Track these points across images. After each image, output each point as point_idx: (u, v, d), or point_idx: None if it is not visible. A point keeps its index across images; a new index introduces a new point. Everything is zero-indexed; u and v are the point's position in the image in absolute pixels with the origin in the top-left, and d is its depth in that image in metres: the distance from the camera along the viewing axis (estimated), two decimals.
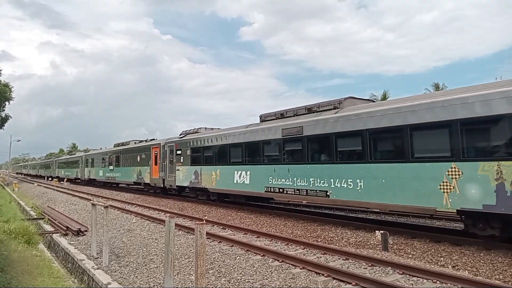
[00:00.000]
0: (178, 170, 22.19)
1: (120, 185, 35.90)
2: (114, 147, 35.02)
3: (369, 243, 10.14)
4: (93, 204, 10.51)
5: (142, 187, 29.04)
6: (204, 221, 6.67)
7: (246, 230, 11.79)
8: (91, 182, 40.73)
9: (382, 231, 9.61)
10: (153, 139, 28.51)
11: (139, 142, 29.94)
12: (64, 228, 13.03)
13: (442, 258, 8.60)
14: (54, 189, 34.35)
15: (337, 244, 10.34)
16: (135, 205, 19.88)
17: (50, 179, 54.38)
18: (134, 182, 28.89)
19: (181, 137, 22.88)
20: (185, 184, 21.42)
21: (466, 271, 7.67)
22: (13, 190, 35.83)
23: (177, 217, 14.92)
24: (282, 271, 7.42)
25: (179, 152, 22.21)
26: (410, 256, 8.95)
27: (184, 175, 21.59)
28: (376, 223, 12.90)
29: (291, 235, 11.48)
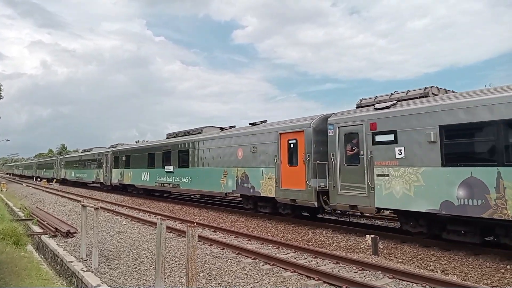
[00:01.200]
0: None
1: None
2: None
3: (359, 247, 10.19)
4: (83, 206, 10.42)
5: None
6: (195, 224, 6.66)
7: (237, 233, 11.78)
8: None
9: (372, 236, 9.67)
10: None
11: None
12: (53, 230, 12.88)
13: (431, 263, 8.68)
14: (42, 190, 33.98)
15: (328, 248, 10.38)
16: (125, 207, 19.73)
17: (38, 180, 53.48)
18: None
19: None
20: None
21: (455, 275, 7.76)
22: (1, 190, 35.33)
23: (168, 219, 14.86)
24: (273, 274, 7.42)
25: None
26: (400, 260, 9.02)
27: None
28: (367, 228, 12.97)
29: (282, 239, 11.50)
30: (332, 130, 11.96)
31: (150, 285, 7.19)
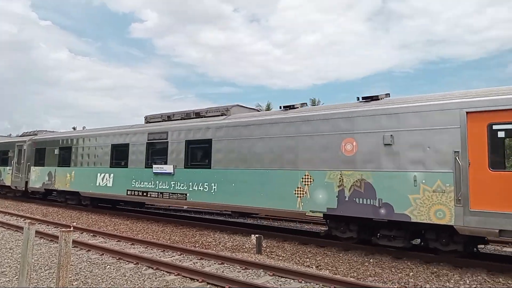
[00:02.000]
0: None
1: None
2: None
3: (244, 247, 10.48)
4: None
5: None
6: (71, 228, 6.08)
7: (119, 237, 11.11)
8: None
9: (257, 235, 10.02)
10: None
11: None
12: None
13: (308, 259, 9.32)
14: None
15: (214, 248, 10.45)
16: None
17: None
18: None
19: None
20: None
21: (327, 270, 8.46)
22: None
23: (39, 223, 13.33)
24: (156, 278, 7.18)
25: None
26: (280, 258, 9.50)
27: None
28: (253, 227, 13.42)
29: (169, 241, 11.21)
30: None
31: None
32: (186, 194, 13.08)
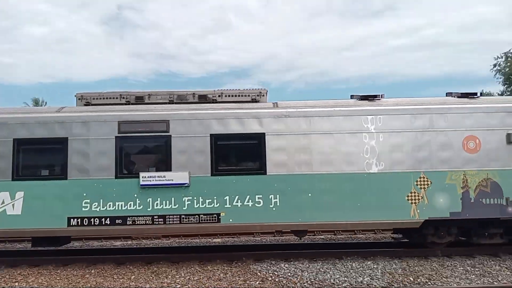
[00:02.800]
0: None
1: None
2: None
3: None
4: None
5: None
6: None
7: None
8: None
9: None
10: None
11: None
12: None
13: (17, 283, 7.80)
14: None
15: None
16: None
17: None
18: None
19: None
20: None
21: None
22: None
23: None
24: None
25: None
26: None
27: None
28: None
29: None
30: None
31: None
32: (219, 214, 8.72)
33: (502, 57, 32.79)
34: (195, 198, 8.71)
